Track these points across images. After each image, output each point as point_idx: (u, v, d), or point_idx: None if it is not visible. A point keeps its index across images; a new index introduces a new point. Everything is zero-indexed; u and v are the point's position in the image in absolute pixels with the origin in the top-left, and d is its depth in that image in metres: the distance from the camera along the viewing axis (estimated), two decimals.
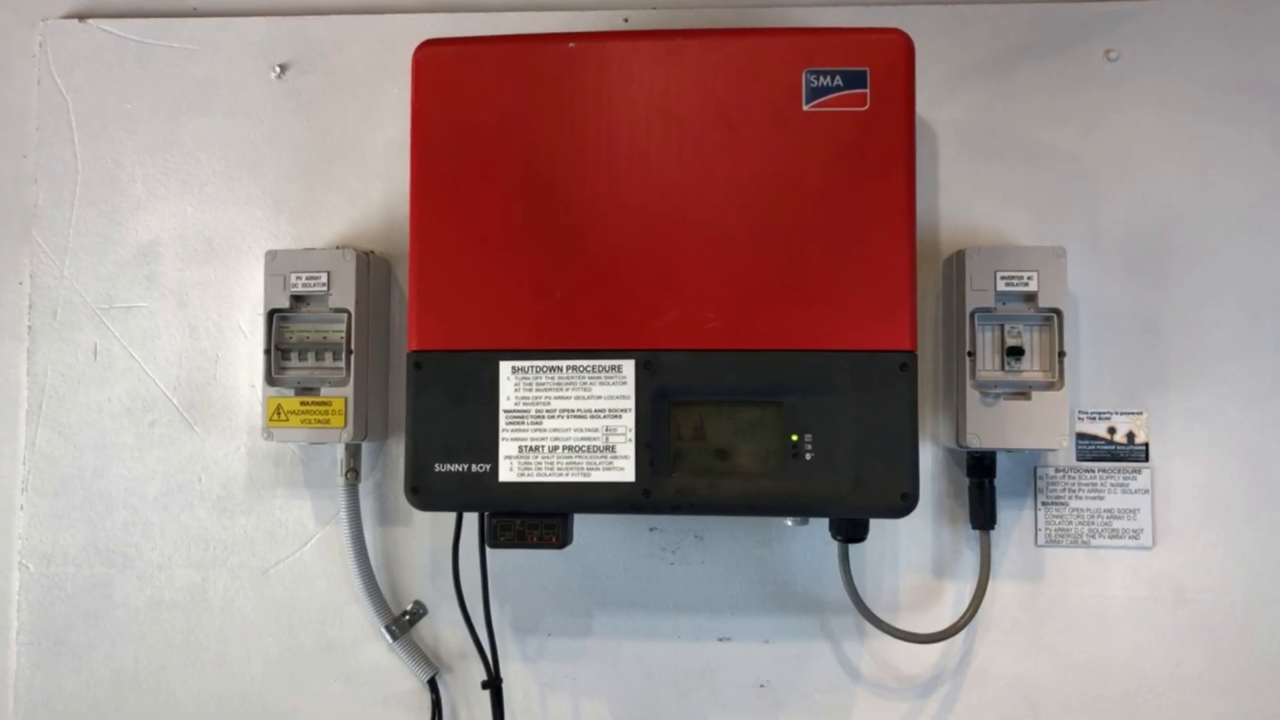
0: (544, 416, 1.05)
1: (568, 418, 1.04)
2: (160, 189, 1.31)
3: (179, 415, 1.29)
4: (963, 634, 1.19)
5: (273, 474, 1.28)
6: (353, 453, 1.23)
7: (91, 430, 1.29)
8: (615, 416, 1.04)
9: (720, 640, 1.24)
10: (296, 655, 1.27)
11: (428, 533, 1.26)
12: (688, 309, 1.04)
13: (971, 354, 1.14)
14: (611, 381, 1.04)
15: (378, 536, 1.27)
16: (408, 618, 1.26)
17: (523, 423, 1.05)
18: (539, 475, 1.04)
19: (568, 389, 1.04)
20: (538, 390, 1.05)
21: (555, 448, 1.04)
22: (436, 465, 1.05)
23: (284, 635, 1.27)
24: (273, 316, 1.19)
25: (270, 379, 1.19)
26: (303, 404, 1.18)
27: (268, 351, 1.19)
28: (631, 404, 1.03)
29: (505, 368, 1.05)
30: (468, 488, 1.05)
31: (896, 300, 1.02)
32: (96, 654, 1.28)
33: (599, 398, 1.04)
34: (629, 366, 1.04)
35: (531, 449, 1.04)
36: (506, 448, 1.05)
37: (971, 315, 1.14)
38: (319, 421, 1.18)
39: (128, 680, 1.28)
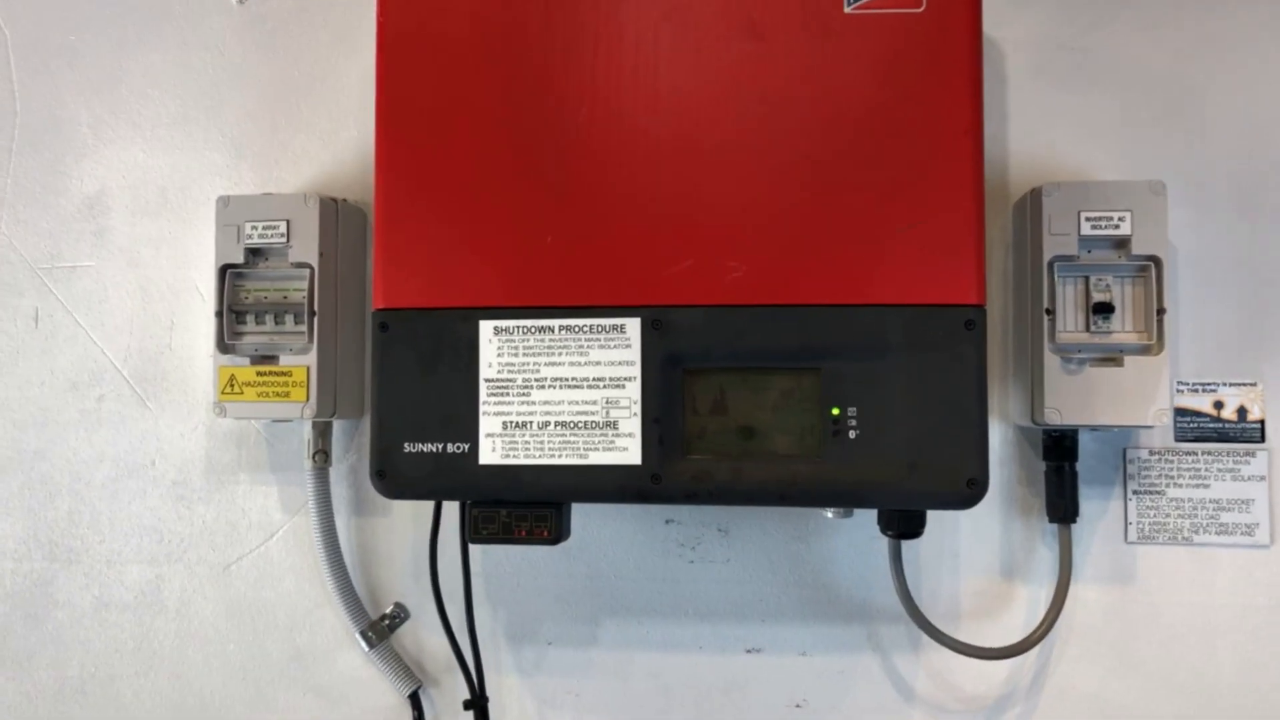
0: (532, 386, 0.87)
1: (561, 388, 0.87)
2: (108, 132, 1.15)
3: (130, 389, 1.13)
4: (1037, 648, 0.99)
5: (235, 456, 1.12)
6: (321, 432, 1.07)
7: (31, 406, 1.14)
8: (618, 386, 0.86)
9: (749, 652, 1.06)
10: (261, 664, 1.11)
11: (410, 524, 1.09)
12: (705, 255, 0.86)
13: (1050, 312, 0.94)
14: (613, 344, 0.86)
15: (353, 528, 1.10)
16: (387, 622, 1.09)
17: (507, 394, 0.87)
18: (526, 457, 0.87)
19: (561, 353, 0.87)
20: (525, 355, 0.87)
21: (546, 424, 0.87)
22: (406, 444, 0.88)
23: (247, 641, 1.11)
24: (225, 273, 1.03)
25: (222, 345, 1.03)
26: (259, 375, 1.02)
27: (219, 314, 1.02)
28: (637, 371, 0.86)
29: (486, 328, 0.88)
30: (442, 471, 0.88)
31: (960, 242, 0.84)
32: (37, 661, 1.13)
33: (598, 364, 0.86)
34: (634, 326, 0.86)
35: (518, 425, 0.87)
36: (488, 424, 0.87)
37: (1050, 265, 0.94)
38: (278, 395, 1.01)
39: (72, 691, 1.13)
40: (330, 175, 1.12)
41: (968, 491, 0.84)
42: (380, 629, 1.09)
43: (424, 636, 1.09)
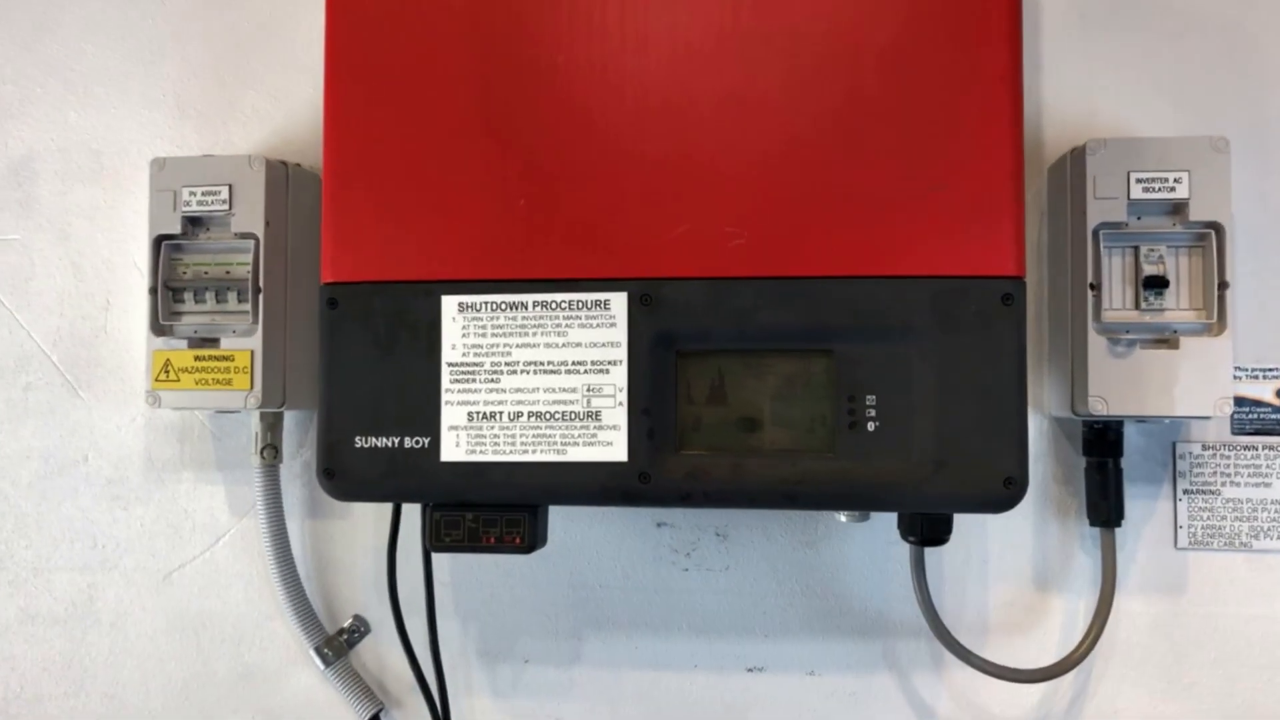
0: (502, 372, 0.76)
1: (535, 373, 0.75)
2: (36, 90, 1.03)
3: (60, 377, 1.02)
4: (1076, 668, 0.88)
5: (178, 452, 1.00)
6: (270, 424, 0.95)
7: None
8: (601, 371, 0.75)
9: (750, 671, 0.95)
10: (206, 684, 1.00)
11: (372, 528, 0.98)
12: (702, 220, 0.74)
13: (1095, 287, 0.83)
14: (595, 322, 0.75)
15: (308, 532, 0.99)
16: (345, 638, 0.98)
17: (473, 380, 0.76)
18: (495, 453, 0.76)
19: (535, 333, 0.75)
20: (494, 335, 0.76)
21: (518, 415, 0.75)
22: (357, 439, 0.77)
23: (190, 658, 1.00)
24: (160, 245, 0.91)
25: (156, 326, 0.91)
26: (197, 359, 0.90)
27: (153, 290, 0.91)
28: (624, 354, 0.75)
29: (449, 305, 0.76)
30: (399, 470, 0.76)
31: (996, 204, 0.73)
32: None
33: (578, 345, 0.75)
34: (620, 301, 0.74)
35: (485, 416, 0.76)
36: (451, 415, 0.76)
37: (1095, 233, 0.83)
38: (218, 382, 0.90)
39: None
40: (284, 137, 1.00)
41: (1004, 492, 0.73)
42: (338, 645, 0.97)
43: (386, 653, 0.97)
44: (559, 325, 0.75)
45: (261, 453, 0.94)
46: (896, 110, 0.74)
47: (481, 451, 0.76)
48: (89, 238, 1.02)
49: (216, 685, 1.00)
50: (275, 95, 1.00)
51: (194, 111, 1.01)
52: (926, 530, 0.82)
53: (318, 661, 0.96)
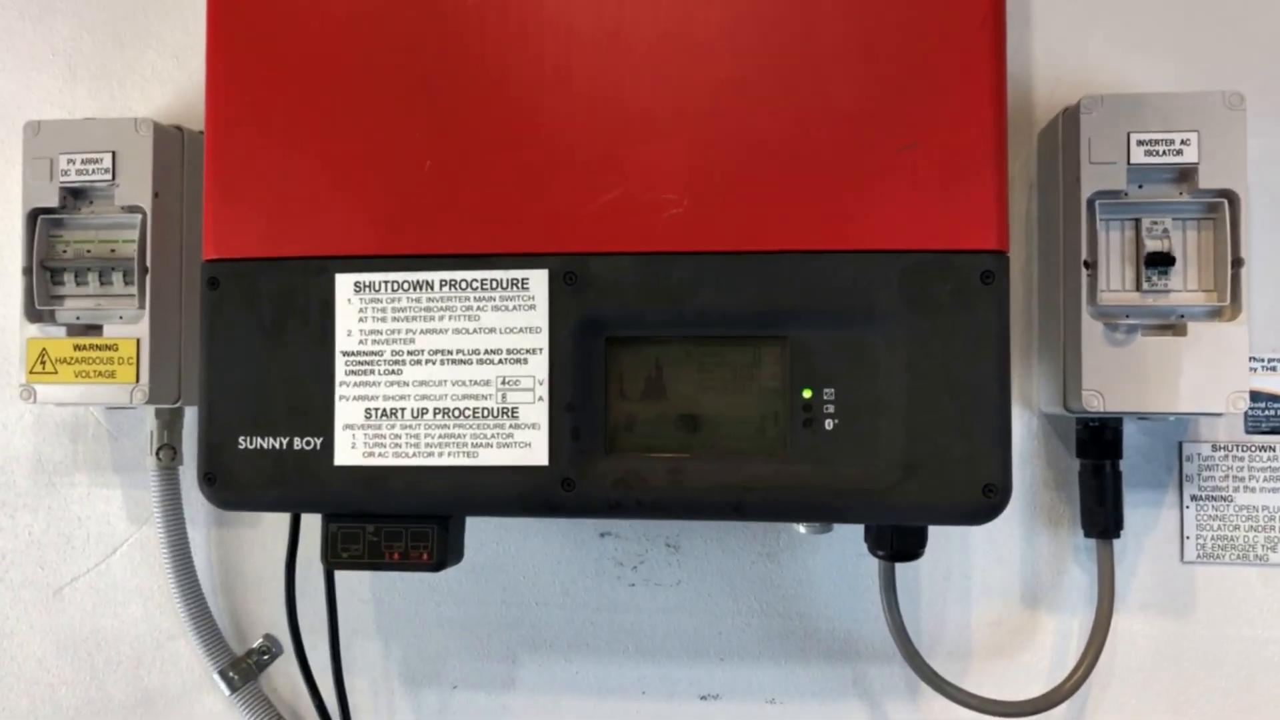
0: (405, 362, 0.66)
1: (443, 363, 0.65)
2: None
3: None
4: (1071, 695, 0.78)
5: (69, 452, 0.90)
6: (167, 422, 0.85)
7: None
8: (518, 361, 0.65)
9: (704, 698, 0.84)
10: (101, 709, 0.90)
11: (284, 538, 0.87)
12: (635, 185, 0.64)
13: (1090, 265, 0.72)
14: (512, 304, 0.65)
15: (214, 542, 0.89)
16: (254, 660, 0.87)
17: (372, 372, 0.66)
18: (397, 456, 0.66)
19: (442, 317, 0.65)
20: (395, 320, 0.66)
21: (422, 412, 0.65)
22: (241, 439, 0.67)
23: (84, 681, 0.90)
24: (35, 220, 0.80)
25: (32, 312, 0.81)
26: (77, 348, 0.80)
27: (27, 271, 0.80)
28: (544, 341, 0.65)
29: (344, 284, 0.66)
30: (288, 475, 0.67)
31: (975, 167, 0.63)
32: None
33: (492, 331, 0.65)
34: (540, 280, 0.64)
35: (385, 414, 0.65)
36: (346, 412, 0.66)
37: (1089, 204, 0.72)
38: (101, 374, 0.79)
39: None
40: (186, 101, 0.90)
41: (984, 501, 0.63)
42: (245, 668, 0.87)
43: (300, 677, 0.86)
44: (469, 308, 0.65)
45: (158, 454, 0.84)
46: (859, 56, 0.64)
47: (381, 454, 0.66)
48: None
49: (112, 713, 0.89)
50: (176, 55, 0.90)
51: (87, 73, 0.91)
52: (897, 543, 0.72)
53: (223, 686, 0.86)
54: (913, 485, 0.62)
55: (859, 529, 0.77)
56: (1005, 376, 0.62)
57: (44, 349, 0.80)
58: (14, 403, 0.90)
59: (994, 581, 0.82)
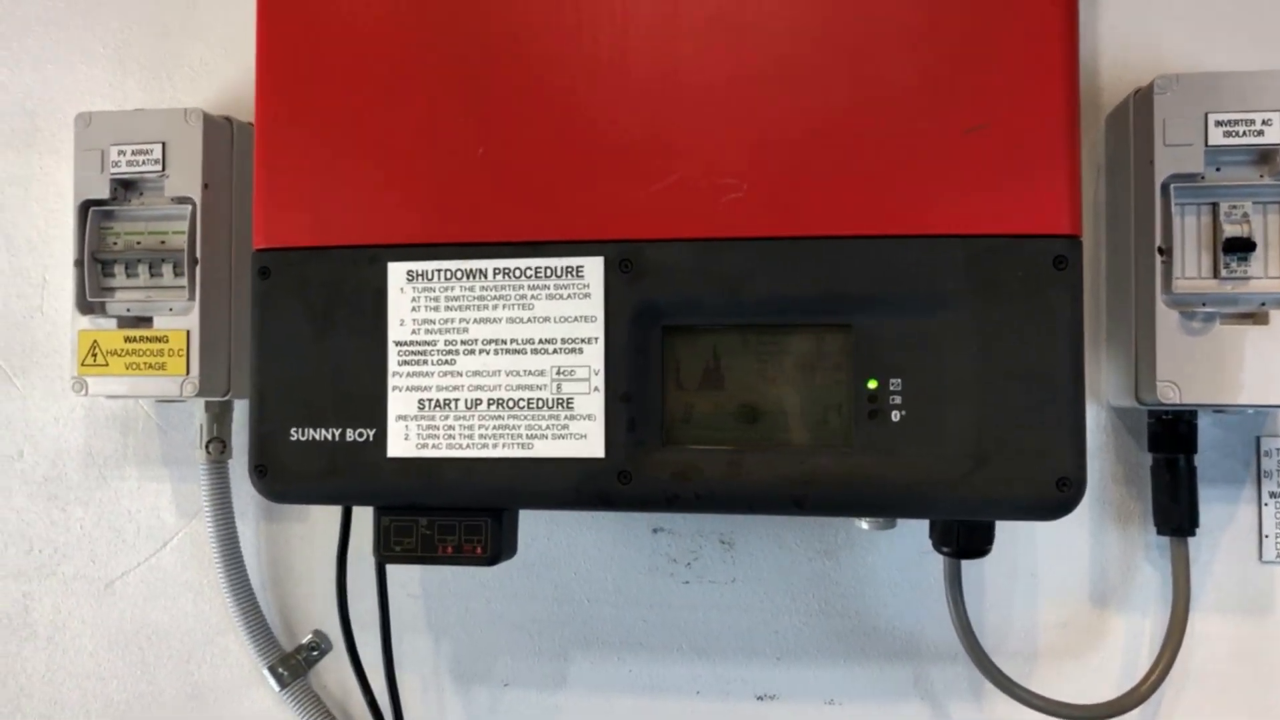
0: (458, 352, 0.64)
1: (497, 353, 0.64)
2: None
3: None
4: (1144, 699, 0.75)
5: (119, 446, 0.90)
6: (217, 415, 0.84)
7: None
8: (573, 351, 0.63)
9: (760, 699, 0.82)
10: (151, 705, 0.89)
11: (334, 532, 0.86)
12: (693, 169, 0.62)
13: (1164, 251, 0.70)
14: (567, 293, 0.63)
15: (263, 536, 0.88)
16: (303, 656, 0.87)
17: (425, 362, 0.64)
18: (450, 447, 0.64)
19: (496, 306, 0.64)
20: (448, 309, 0.64)
21: (476, 403, 0.64)
22: (293, 431, 0.66)
23: (134, 675, 0.89)
24: (87, 211, 0.80)
25: (84, 304, 0.80)
26: (128, 340, 0.79)
27: (79, 263, 0.80)
28: (600, 329, 0.63)
29: (396, 273, 0.65)
30: (340, 467, 0.65)
31: (1048, 148, 0.61)
32: None
33: (547, 320, 0.63)
34: (595, 267, 0.63)
35: (439, 405, 0.64)
36: (399, 403, 0.65)
37: (1164, 188, 0.69)
38: (151, 367, 0.79)
39: None
40: (234, 93, 0.89)
41: (1057, 495, 0.60)
42: (295, 664, 0.86)
43: (349, 674, 0.85)
44: (524, 297, 0.64)
45: (207, 447, 0.84)
46: (924, 31, 0.61)
47: (434, 446, 0.64)
48: (22, 208, 0.91)
49: (162, 707, 0.89)
50: (224, 46, 0.89)
51: (136, 65, 0.90)
52: (964, 540, 0.69)
53: (273, 682, 0.85)
54: (982, 478, 0.60)
55: (921, 524, 0.75)
56: (1079, 365, 0.60)
57: (95, 341, 0.80)
58: (65, 396, 0.90)
59: (1060, 580, 0.79)
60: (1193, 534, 0.75)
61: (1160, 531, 0.76)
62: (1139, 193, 0.71)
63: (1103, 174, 0.79)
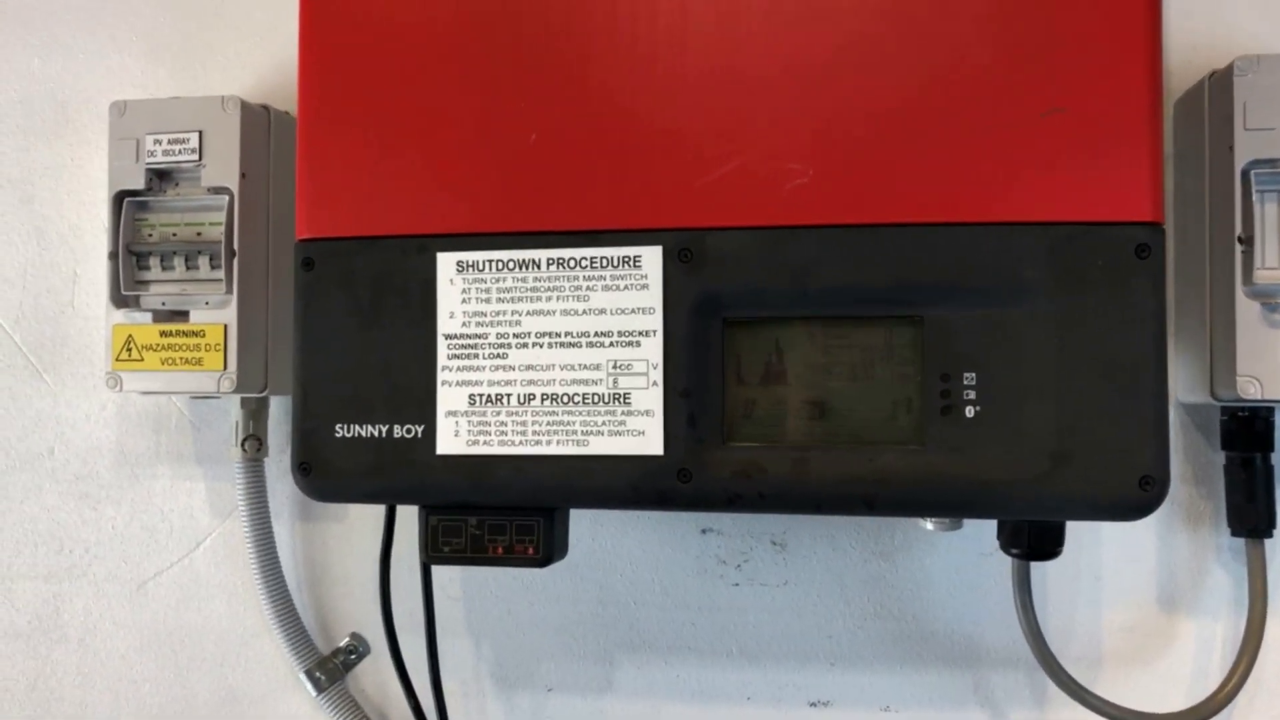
0: (510, 345, 0.62)
1: (550, 346, 0.61)
2: None
3: (23, 358, 0.89)
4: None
5: (153, 443, 0.88)
6: (253, 412, 0.82)
7: None
8: (630, 344, 0.60)
9: (814, 705, 0.80)
10: (185, 708, 0.87)
11: (371, 533, 0.84)
12: (756, 155, 0.60)
13: (1245, 240, 0.67)
14: (624, 284, 0.60)
15: (299, 536, 0.86)
16: (341, 659, 0.84)
17: (475, 355, 0.62)
18: (502, 444, 0.62)
19: (550, 298, 0.61)
20: (500, 301, 0.62)
21: (529, 398, 0.61)
22: (338, 427, 0.64)
23: (168, 680, 0.87)
24: (122, 203, 0.78)
25: (118, 298, 0.78)
26: (164, 335, 0.77)
27: (113, 255, 0.78)
28: (658, 322, 0.60)
29: (446, 264, 0.62)
30: (387, 464, 0.63)
31: (1130, 131, 0.58)
32: None
33: (603, 312, 0.61)
34: (653, 257, 0.60)
35: (490, 400, 0.62)
36: (449, 398, 0.62)
37: (1245, 174, 0.67)
38: (187, 362, 0.77)
39: None
40: (268, 83, 0.87)
41: (1140, 494, 0.57)
42: (332, 668, 0.84)
43: (388, 678, 0.83)
44: (579, 288, 0.61)
45: (243, 445, 0.81)
46: (1001, 14, 0.58)
47: (486, 443, 0.62)
48: (53, 200, 0.89)
49: (196, 711, 0.87)
50: (258, 35, 0.87)
51: (169, 54, 0.88)
52: (1034, 541, 0.67)
53: (310, 687, 0.83)
54: (1062, 477, 0.57)
55: (981, 524, 0.72)
56: (1162, 359, 0.57)
57: (130, 335, 0.77)
58: (96, 393, 0.88)
59: (1127, 583, 0.76)
60: (1270, 535, 0.72)
61: (1235, 533, 0.73)
62: (1215, 180, 0.69)
63: (1173, 162, 0.76)
